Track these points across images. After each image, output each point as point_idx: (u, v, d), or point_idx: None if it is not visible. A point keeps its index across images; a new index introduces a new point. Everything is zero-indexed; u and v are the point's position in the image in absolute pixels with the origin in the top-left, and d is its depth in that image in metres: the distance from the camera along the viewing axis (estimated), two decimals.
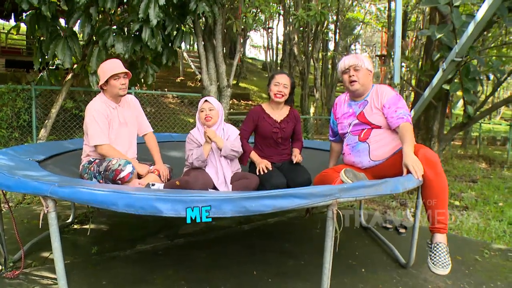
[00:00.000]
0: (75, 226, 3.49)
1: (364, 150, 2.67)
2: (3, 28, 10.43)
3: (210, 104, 2.99)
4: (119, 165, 2.73)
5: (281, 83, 3.14)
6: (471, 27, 3.63)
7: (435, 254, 2.32)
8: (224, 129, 3.09)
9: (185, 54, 17.49)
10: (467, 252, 3.15)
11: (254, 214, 1.57)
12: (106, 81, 2.96)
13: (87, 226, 3.47)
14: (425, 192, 2.37)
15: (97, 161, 2.87)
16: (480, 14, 3.52)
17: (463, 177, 7.14)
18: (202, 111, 2.99)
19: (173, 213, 1.52)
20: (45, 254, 2.80)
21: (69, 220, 3.57)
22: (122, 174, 2.71)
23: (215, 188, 2.88)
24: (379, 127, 2.64)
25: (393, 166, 2.50)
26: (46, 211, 1.79)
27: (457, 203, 5.00)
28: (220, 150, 2.94)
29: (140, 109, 3.34)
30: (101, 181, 2.81)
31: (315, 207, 1.71)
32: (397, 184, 1.96)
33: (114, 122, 3.02)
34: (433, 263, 2.32)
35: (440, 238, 2.36)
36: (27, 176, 1.95)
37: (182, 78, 16.47)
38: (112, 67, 2.97)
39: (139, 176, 3.02)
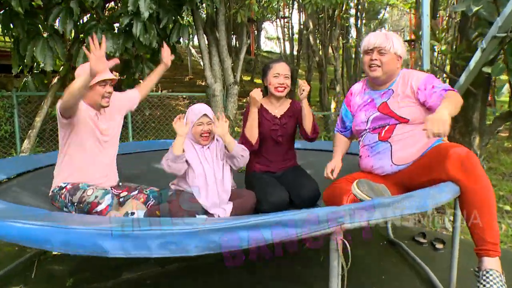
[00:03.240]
0: (54, 253, 3.27)
1: (385, 151, 2.34)
2: None
3: (208, 118, 2.69)
4: (96, 196, 2.51)
5: (281, 73, 2.85)
6: None
7: (484, 286, 1.94)
8: (218, 139, 2.81)
9: (193, 50, 17.35)
10: None
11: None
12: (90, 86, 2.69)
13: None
14: (464, 204, 2.01)
15: (69, 187, 2.63)
16: None
17: None
18: (200, 125, 2.67)
19: (122, 252, 1.25)
20: None
21: None
22: (99, 208, 2.50)
23: (206, 213, 2.59)
24: (407, 121, 2.31)
25: (422, 171, 2.16)
26: None
27: (507, 207, 4.57)
28: (228, 152, 2.66)
29: (120, 100, 3.02)
30: (74, 213, 2.59)
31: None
32: (425, 198, 1.63)
33: (94, 131, 2.75)
34: None
35: (491, 264, 1.98)
36: None
37: (191, 76, 16.32)
38: None
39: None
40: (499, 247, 2.02)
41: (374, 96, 2.49)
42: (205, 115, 2.68)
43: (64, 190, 2.61)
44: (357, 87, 2.69)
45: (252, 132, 2.79)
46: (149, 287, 2.64)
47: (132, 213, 2.54)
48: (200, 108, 2.72)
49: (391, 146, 2.33)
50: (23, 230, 1.38)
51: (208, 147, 2.74)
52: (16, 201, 2.28)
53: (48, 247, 1.33)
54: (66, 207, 2.60)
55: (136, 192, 2.82)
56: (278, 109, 2.99)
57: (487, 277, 1.93)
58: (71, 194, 2.57)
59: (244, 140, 2.81)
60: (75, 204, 2.54)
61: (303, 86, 2.70)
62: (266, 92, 2.99)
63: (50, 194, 2.71)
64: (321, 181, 2.69)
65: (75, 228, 1.32)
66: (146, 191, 2.82)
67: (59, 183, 2.67)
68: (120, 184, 2.94)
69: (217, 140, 2.79)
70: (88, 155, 2.73)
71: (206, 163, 2.69)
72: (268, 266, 2.91)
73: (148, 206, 2.74)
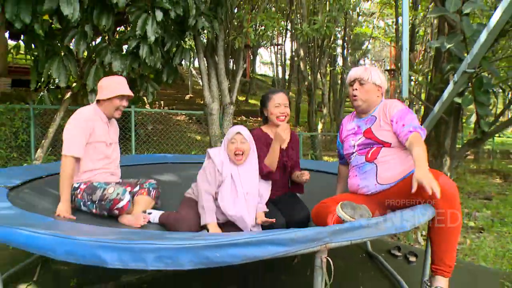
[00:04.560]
0: None
1: (371, 171, 2.31)
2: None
3: (241, 136, 2.57)
4: (118, 193, 2.51)
5: (282, 103, 2.75)
6: (483, 36, 3.26)
7: None
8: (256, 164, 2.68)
9: (193, 72, 17.34)
10: (485, 285, 2.74)
11: (220, 266, 1.23)
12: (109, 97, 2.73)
13: None
14: (434, 227, 2.00)
15: (83, 186, 2.58)
16: (493, 20, 3.15)
17: (477, 194, 6.67)
18: (233, 142, 2.56)
19: (120, 264, 1.21)
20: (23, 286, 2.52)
21: None
22: (121, 204, 2.51)
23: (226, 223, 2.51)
24: (389, 144, 2.30)
25: (403, 192, 2.13)
26: None
27: (471, 224, 4.56)
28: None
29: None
30: (94, 210, 2.57)
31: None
32: (402, 221, 1.61)
33: (106, 138, 2.76)
34: None
35: (442, 283, 2.00)
36: None
37: (191, 95, 16.29)
38: (122, 86, 2.77)
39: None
40: (452, 270, 2.04)
41: (360, 124, 2.49)
42: (238, 133, 2.57)
43: (78, 190, 2.59)
44: (347, 118, 2.69)
45: (273, 164, 2.66)
46: None
47: (149, 213, 2.67)
48: (235, 128, 2.62)
49: (376, 167, 2.30)
50: (30, 238, 1.33)
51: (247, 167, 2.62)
52: (25, 206, 2.21)
53: (51, 255, 1.28)
54: (84, 206, 2.58)
55: (138, 188, 2.83)
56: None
57: None
58: (90, 193, 2.55)
59: (265, 169, 2.67)
60: (96, 202, 2.53)
61: (305, 177, 2.67)
62: (265, 120, 2.89)
63: None
64: (309, 199, 2.65)
65: (77, 239, 1.27)
66: (146, 185, 2.85)
67: (73, 184, 2.62)
68: (121, 180, 2.92)
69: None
70: (98, 157, 2.72)
71: (238, 177, 2.56)
72: (258, 278, 2.85)
73: (152, 196, 2.82)
